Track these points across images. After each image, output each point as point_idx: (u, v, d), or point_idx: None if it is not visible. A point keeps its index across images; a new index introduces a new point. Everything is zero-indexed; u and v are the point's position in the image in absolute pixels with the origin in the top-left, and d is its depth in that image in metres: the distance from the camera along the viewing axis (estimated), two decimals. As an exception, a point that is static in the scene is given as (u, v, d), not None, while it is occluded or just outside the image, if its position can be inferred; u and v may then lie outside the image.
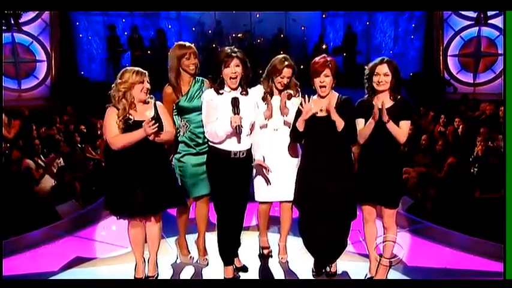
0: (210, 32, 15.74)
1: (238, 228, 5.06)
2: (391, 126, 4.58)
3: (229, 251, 5.09)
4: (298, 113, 4.71)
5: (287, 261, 5.56)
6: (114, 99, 4.58)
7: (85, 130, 10.41)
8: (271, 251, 5.67)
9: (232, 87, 4.66)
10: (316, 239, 5.02)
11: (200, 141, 5.05)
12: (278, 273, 5.41)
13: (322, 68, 4.60)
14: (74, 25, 14.70)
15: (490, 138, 9.38)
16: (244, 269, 5.30)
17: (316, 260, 5.21)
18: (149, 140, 4.53)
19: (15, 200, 7.13)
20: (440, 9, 13.29)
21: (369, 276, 5.15)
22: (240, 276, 5.21)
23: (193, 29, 15.85)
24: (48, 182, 8.14)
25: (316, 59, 4.71)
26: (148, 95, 4.67)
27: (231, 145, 4.70)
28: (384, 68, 4.61)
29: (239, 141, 4.68)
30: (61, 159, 8.98)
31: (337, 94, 4.80)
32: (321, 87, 4.66)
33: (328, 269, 5.22)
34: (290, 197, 5.18)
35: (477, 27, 13.92)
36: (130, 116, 4.55)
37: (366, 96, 4.81)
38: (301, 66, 14.60)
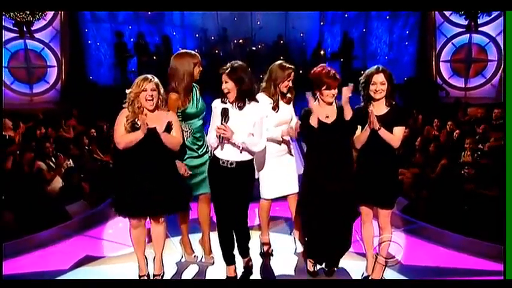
0: (213, 38, 15.73)
1: (231, 229, 5.04)
2: (382, 133, 4.59)
3: (225, 251, 5.08)
4: (307, 113, 4.72)
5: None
6: (127, 102, 4.60)
7: (95, 134, 10.34)
8: (272, 249, 5.65)
9: (229, 101, 4.63)
10: (322, 239, 4.99)
11: (200, 143, 5.13)
12: (279, 272, 5.37)
13: (334, 84, 4.59)
14: (83, 32, 14.69)
15: (480, 141, 9.42)
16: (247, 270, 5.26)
17: (319, 260, 5.20)
18: (155, 143, 4.53)
19: (28, 200, 7.13)
20: (440, 9, 13.30)
21: (365, 275, 5.14)
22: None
23: (197, 35, 15.84)
24: (58, 182, 8.10)
25: (325, 71, 4.65)
26: (158, 104, 4.64)
27: (220, 153, 4.70)
28: (380, 77, 4.61)
29: (222, 150, 4.66)
30: (70, 160, 8.98)
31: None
32: (330, 97, 4.65)
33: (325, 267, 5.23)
34: (296, 189, 5.30)
35: (468, 35, 13.90)
36: (138, 121, 4.53)
37: (362, 103, 4.81)
38: (300, 71, 14.80)
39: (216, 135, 4.56)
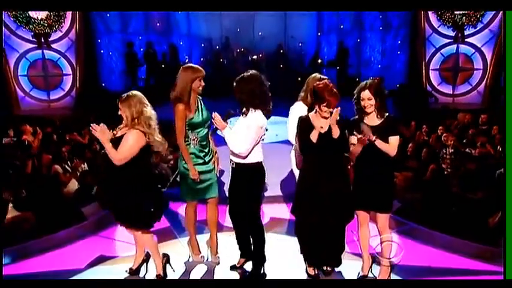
0: (217, 47, 15.74)
1: (240, 226, 5.22)
2: (379, 143, 4.64)
3: (238, 244, 5.34)
4: (307, 127, 4.74)
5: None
6: None
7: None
8: None
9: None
10: (315, 242, 4.99)
11: (206, 151, 5.22)
12: (281, 273, 5.35)
13: (334, 103, 4.61)
14: (96, 42, 14.70)
15: (468, 144, 9.39)
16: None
17: (314, 263, 5.20)
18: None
19: (46, 202, 7.09)
20: (441, 9, 13.23)
21: (361, 274, 5.15)
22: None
23: (203, 45, 15.86)
24: (74, 185, 8.05)
25: (329, 88, 4.64)
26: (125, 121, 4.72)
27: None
28: (366, 93, 4.69)
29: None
30: (85, 164, 8.97)
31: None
32: (327, 113, 4.66)
33: (324, 267, 5.23)
34: None
35: (455, 45, 13.88)
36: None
37: (356, 116, 4.86)
38: (299, 79, 14.82)
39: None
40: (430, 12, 13.80)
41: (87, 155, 9.26)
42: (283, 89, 14.34)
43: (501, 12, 13.05)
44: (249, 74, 4.89)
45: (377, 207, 4.91)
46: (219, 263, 5.52)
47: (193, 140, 5.13)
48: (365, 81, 4.79)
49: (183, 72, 5.06)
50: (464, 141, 9.59)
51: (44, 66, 13.71)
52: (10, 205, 6.88)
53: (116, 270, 5.48)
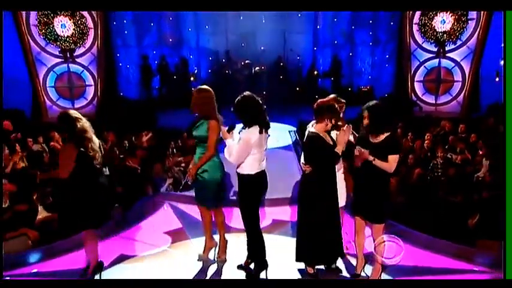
0: (223, 60, 15.74)
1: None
2: (377, 163, 4.64)
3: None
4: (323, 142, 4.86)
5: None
6: None
7: (127, 144, 10.33)
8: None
9: None
10: (313, 242, 5.02)
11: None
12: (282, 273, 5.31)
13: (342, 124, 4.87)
14: (115, 56, 14.75)
15: (450, 150, 9.40)
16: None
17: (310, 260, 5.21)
18: None
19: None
20: (441, 9, 13.07)
21: (355, 273, 5.17)
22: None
23: (210, 58, 15.87)
24: None
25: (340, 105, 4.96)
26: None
27: None
28: (365, 113, 4.74)
29: None
30: (106, 168, 8.93)
31: None
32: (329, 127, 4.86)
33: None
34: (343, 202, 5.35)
35: (438, 59, 13.87)
36: None
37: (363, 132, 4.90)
38: (297, 88, 14.84)
39: None
40: (415, 30, 13.78)
41: (108, 160, 9.27)
42: (282, 98, 14.47)
43: (478, 29, 13.12)
44: (243, 96, 4.88)
45: (369, 217, 4.92)
46: (226, 260, 5.53)
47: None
48: (368, 102, 4.81)
49: (206, 93, 5.10)
50: (446, 147, 9.60)
51: (69, 78, 13.73)
52: (40, 207, 6.94)
53: (137, 268, 5.52)
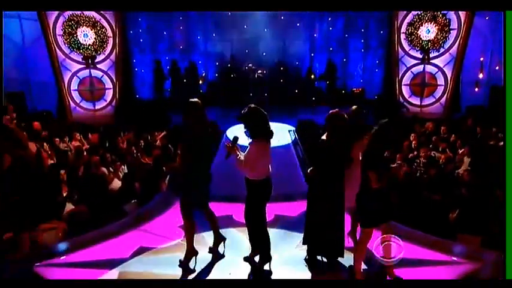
0: (229, 65, 15.77)
1: None
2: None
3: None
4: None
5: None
6: None
7: (143, 144, 10.40)
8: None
9: None
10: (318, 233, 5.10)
11: None
12: (284, 267, 5.27)
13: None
14: (132, 62, 14.80)
15: (433, 149, 9.45)
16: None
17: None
18: None
19: (96, 198, 7.07)
20: (441, 9, 12.90)
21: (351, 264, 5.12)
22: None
23: (217, 63, 15.90)
24: (117, 184, 8.12)
25: None
26: None
27: None
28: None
29: None
30: (124, 166, 9.01)
31: None
32: None
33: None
34: None
35: (423, 65, 13.90)
36: None
37: None
38: (296, 91, 14.87)
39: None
40: (402, 38, 13.80)
41: (126, 159, 9.34)
42: (282, 99, 14.50)
43: (459, 39, 13.14)
44: (250, 109, 4.85)
45: (359, 219, 4.96)
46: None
47: None
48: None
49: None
50: (430, 146, 9.66)
51: (90, 82, 13.81)
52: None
53: (156, 260, 5.51)
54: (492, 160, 8.04)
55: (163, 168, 8.52)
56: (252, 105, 4.89)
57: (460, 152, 9.21)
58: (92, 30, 13.31)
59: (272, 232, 5.79)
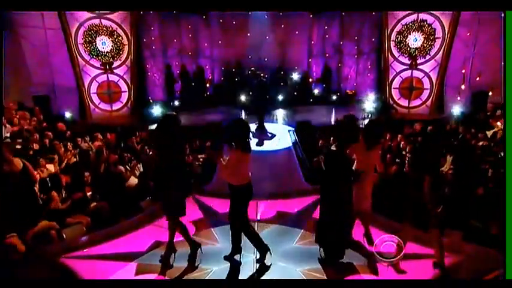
0: (233, 69, 15.79)
1: None
2: None
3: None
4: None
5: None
6: None
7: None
8: None
9: None
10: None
11: None
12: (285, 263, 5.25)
13: None
14: (145, 67, 14.81)
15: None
16: None
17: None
18: None
19: (115, 195, 7.12)
20: (441, 9, 12.63)
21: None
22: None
23: (222, 68, 15.92)
24: (133, 181, 8.14)
25: None
26: None
27: None
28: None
29: None
30: (140, 164, 9.04)
31: None
32: None
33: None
34: None
35: (410, 70, 13.88)
36: None
37: None
38: (295, 93, 14.89)
39: None
40: (392, 45, 13.77)
41: (142, 158, 9.34)
42: (282, 101, 14.50)
43: (444, 47, 13.13)
44: (235, 121, 4.88)
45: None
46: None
47: None
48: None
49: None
50: (416, 145, 9.64)
51: (108, 86, 13.84)
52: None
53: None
54: (473, 158, 8.09)
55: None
56: (237, 118, 4.95)
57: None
58: (109, 38, 13.34)
59: (272, 228, 5.87)
